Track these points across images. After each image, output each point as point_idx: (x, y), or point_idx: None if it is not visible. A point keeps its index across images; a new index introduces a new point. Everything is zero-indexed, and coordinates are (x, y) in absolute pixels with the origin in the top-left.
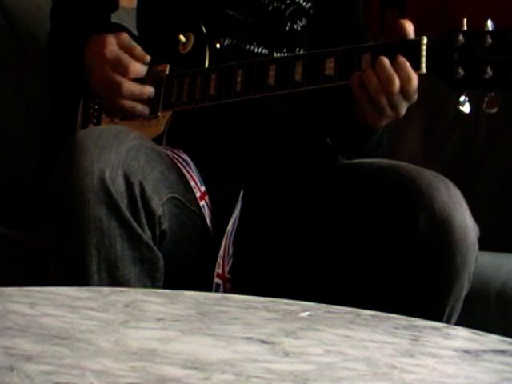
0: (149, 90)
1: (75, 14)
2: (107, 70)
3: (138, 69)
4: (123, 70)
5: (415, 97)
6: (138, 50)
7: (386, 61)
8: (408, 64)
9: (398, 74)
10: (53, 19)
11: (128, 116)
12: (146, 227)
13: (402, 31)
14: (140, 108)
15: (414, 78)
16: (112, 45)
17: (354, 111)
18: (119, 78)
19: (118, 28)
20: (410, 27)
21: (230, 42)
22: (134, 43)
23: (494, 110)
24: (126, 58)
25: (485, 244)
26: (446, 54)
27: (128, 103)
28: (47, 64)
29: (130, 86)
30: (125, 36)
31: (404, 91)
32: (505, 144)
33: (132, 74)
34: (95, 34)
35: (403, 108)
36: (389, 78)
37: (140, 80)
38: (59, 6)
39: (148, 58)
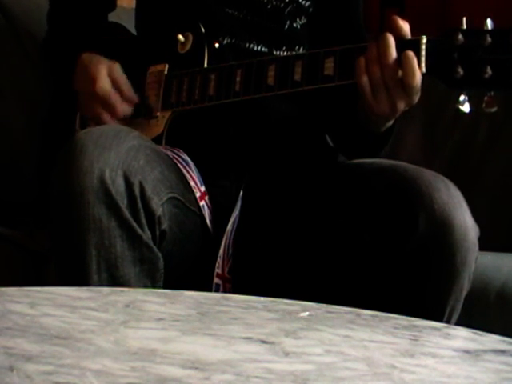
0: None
1: (71, 15)
2: (97, 107)
3: (125, 110)
4: (111, 110)
5: (416, 97)
6: (127, 90)
7: (390, 37)
8: (416, 59)
9: (403, 66)
10: (49, 21)
11: None
12: (145, 227)
13: (395, 26)
14: None
15: (418, 75)
16: (103, 78)
17: (356, 108)
18: (107, 118)
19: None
20: (404, 24)
21: (229, 40)
22: (124, 79)
23: (494, 110)
24: (115, 98)
25: (485, 244)
26: (446, 54)
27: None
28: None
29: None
30: (117, 69)
31: (405, 84)
32: (505, 144)
33: (119, 116)
34: (86, 50)
35: (400, 102)
36: (386, 51)
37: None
38: (56, 8)
39: (136, 99)
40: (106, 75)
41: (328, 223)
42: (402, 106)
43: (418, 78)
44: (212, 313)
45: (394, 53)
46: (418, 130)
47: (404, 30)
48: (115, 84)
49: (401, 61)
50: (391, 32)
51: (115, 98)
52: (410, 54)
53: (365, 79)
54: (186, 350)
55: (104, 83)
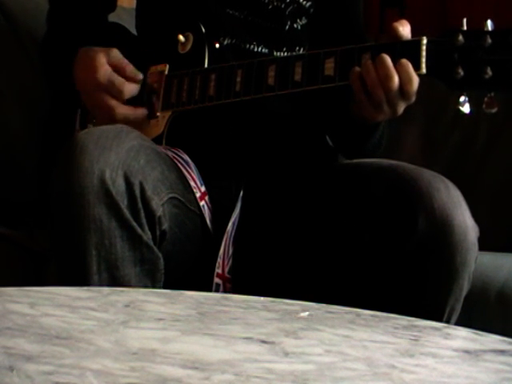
0: (142, 111)
1: (71, 16)
2: (101, 95)
3: (132, 89)
4: (117, 93)
5: (413, 97)
6: (130, 68)
7: (386, 58)
8: (410, 65)
9: (399, 74)
10: (49, 21)
11: None
12: (146, 227)
13: (395, 33)
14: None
15: (415, 80)
16: (103, 66)
17: (351, 105)
18: (113, 103)
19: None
20: (403, 29)
21: (229, 41)
22: (125, 61)
23: (494, 110)
24: (118, 80)
25: (485, 244)
26: (446, 54)
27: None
28: None
29: (123, 111)
30: (115, 54)
31: (404, 91)
32: (505, 144)
33: (126, 96)
34: (84, 47)
35: (401, 107)
36: (388, 74)
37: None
38: (56, 8)
39: (140, 76)
40: (106, 62)
41: (328, 223)
42: (401, 109)
43: (415, 83)
44: (212, 313)
45: (395, 75)
46: (418, 130)
47: (406, 35)
48: (116, 67)
49: (397, 68)
50: (391, 36)
51: (118, 80)
52: (404, 61)
53: (366, 98)
54: (186, 350)
55: (105, 69)
